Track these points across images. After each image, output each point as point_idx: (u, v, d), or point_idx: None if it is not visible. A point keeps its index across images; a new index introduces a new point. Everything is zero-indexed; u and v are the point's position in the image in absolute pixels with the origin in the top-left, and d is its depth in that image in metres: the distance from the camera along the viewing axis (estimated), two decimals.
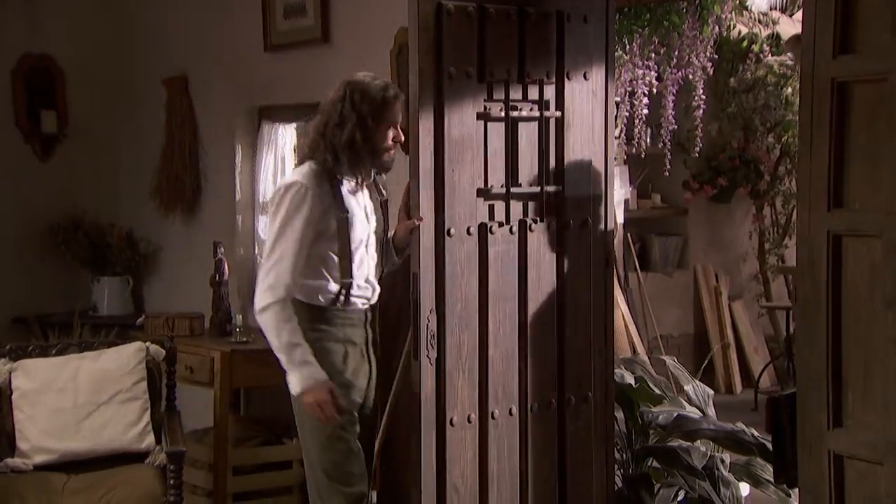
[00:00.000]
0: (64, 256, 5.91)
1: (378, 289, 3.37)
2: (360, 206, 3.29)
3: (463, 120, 3.31)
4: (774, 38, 6.56)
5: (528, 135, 3.46)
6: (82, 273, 6.01)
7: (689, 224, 7.10)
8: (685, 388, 4.14)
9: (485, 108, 3.34)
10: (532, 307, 3.44)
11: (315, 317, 3.21)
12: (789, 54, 6.62)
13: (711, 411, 4.10)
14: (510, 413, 3.39)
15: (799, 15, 6.31)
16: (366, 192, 3.35)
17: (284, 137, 5.27)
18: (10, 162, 5.80)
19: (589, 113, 3.48)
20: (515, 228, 3.41)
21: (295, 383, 3.10)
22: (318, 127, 3.23)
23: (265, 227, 5.14)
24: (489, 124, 3.36)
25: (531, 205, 3.45)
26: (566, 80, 3.45)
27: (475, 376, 3.34)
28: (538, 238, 3.46)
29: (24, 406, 3.89)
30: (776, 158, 7.02)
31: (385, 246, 3.43)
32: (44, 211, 5.89)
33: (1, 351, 4.02)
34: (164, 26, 5.74)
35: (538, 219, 3.44)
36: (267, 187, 5.30)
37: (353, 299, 3.23)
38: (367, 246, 3.30)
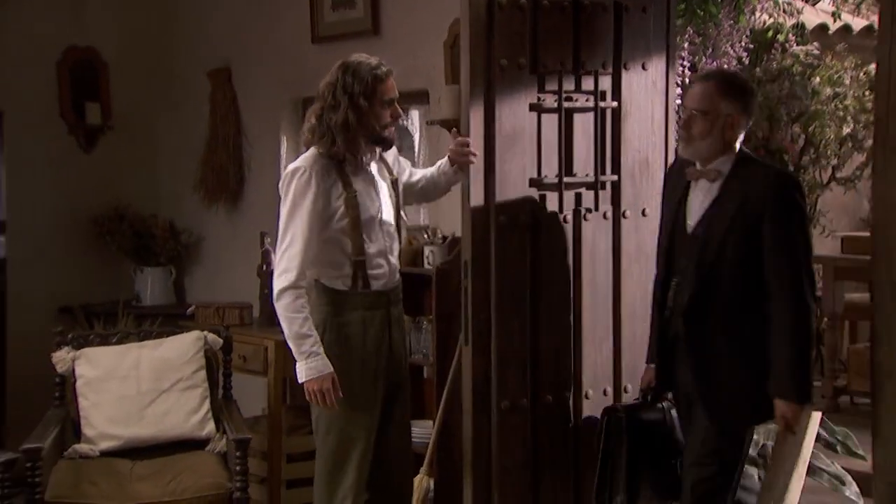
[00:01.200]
0: (108, 247, 5.98)
1: (397, 267, 3.40)
2: (368, 184, 3.31)
3: (515, 111, 3.34)
4: (799, 28, 6.58)
5: (583, 125, 3.49)
6: (125, 263, 6.08)
7: None
8: None
9: (538, 99, 3.36)
10: (587, 295, 3.48)
11: (335, 300, 3.27)
12: (815, 44, 6.64)
13: None
14: (562, 399, 3.43)
15: (822, 4, 6.34)
16: (375, 169, 3.36)
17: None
18: (55, 154, 5.86)
19: (648, 103, 3.51)
20: (570, 217, 3.45)
21: (301, 372, 3.19)
22: (315, 111, 3.26)
23: None
24: (542, 115, 3.38)
25: (587, 194, 3.48)
26: (623, 70, 3.49)
27: (526, 363, 3.37)
28: (593, 227, 3.49)
29: (89, 393, 3.97)
30: (800, 148, 7.04)
31: (438, 176, 3.47)
32: (87, 202, 5.96)
33: (63, 339, 4.10)
34: (207, 19, 5.79)
35: (593, 208, 3.48)
36: None
37: (371, 280, 3.26)
38: (380, 223, 3.31)
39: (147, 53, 6.05)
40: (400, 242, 3.43)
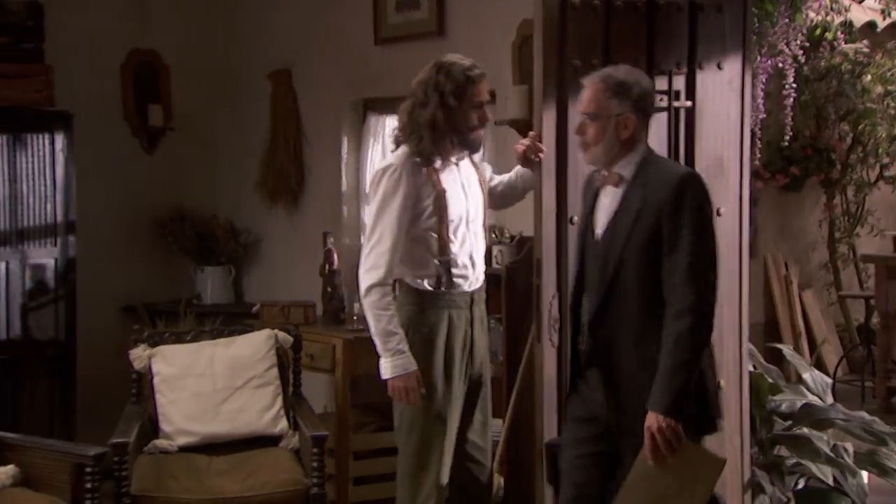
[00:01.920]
0: (170, 247, 6.07)
1: (483, 268, 3.40)
2: (457, 183, 3.31)
3: None
4: (847, 26, 6.53)
5: (656, 125, 3.48)
6: (184, 262, 6.17)
7: (759, 213, 7.07)
8: (803, 376, 4.16)
9: None
10: None
11: (420, 299, 3.28)
12: (865, 42, 6.60)
13: (830, 399, 4.12)
14: None
15: (869, 1, 6.30)
16: (464, 170, 3.37)
17: (391, 129, 5.36)
18: (119, 155, 5.95)
19: (723, 103, 3.51)
20: None
21: (386, 369, 3.21)
22: (406, 109, 3.30)
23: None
24: None
25: None
26: (698, 70, 3.48)
27: None
28: None
29: (166, 390, 4.03)
30: (848, 146, 7.00)
31: (515, 180, 3.49)
32: (149, 203, 6.05)
33: (139, 337, 4.17)
34: (267, 22, 5.86)
35: None
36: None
37: (456, 280, 3.27)
38: (467, 223, 3.32)
39: (207, 56, 6.13)
40: (485, 243, 3.45)
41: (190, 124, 6.17)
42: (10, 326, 5.02)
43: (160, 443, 3.92)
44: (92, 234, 5.62)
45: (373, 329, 3.23)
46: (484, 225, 3.42)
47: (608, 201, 2.94)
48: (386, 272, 3.20)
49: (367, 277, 3.22)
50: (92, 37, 5.73)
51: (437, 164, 3.26)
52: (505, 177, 3.56)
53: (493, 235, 4.24)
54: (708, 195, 2.88)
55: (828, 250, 7.10)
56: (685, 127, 3.52)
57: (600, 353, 2.92)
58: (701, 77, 3.50)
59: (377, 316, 3.20)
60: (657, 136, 3.47)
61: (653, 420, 2.74)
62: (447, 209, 3.25)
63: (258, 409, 4.06)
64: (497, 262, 4.18)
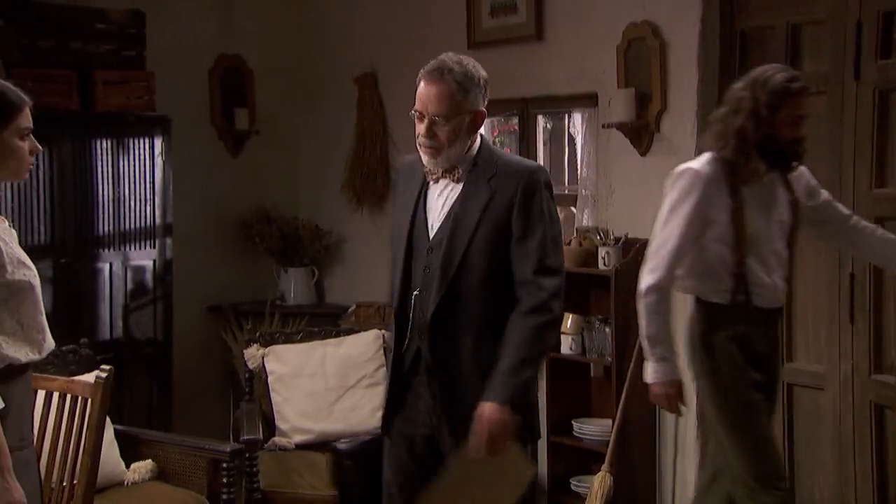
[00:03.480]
0: (255, 248, 6.16)
1: (784, 288, 3.21)
2: (760, 198, 3.14)
3: None
4: None
5: None
6: (267, 263, 6.26)
7: None
8: None
9: None
10: None
11: (712, 314, 3.16)
12: None
13: None
14: None
15: None
16: (771, 186, 3.17)
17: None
18: (206, 158, 6.05)
19: None
20: None
21: (650, 373, 3.17)
22: (719, 115, 3.17)
23: None
24: None
25: None
26: None
27: None
28: None
29: (281, 389, 4.12)
30: None
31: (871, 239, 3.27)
32: (234, 205, 6.14)
33: (252, 337, 4.26)
34: (352, 26, 5.93)
35: None
36: None
37: (752, 296, 3.12)
38: (766, 240, 3.14)
39: (291, 60, 6.22)
40: (791, 265, 3.27)
41: (274, 128, 6.26)
42: (114, 327, 5.13)
43: (279, 440, 4.01)
44: (183, 236, 5.73)
45: (642, 331, 3.16)
46: (789, 246, 3.22)
47: (443, 197, 2.83)
48: (664, 275, 3.12)
49: (647, 278, 3.15)
50: (183, 43, 5.84)
51: (743, 175, 3.10)
52: (869, 227, 3.32)
53: (599, 237, 4.29)
54: (551, 185, 2.84)
55: None
56: None
57: (436, 355, 2.77)
58: None
59: (649, 318, 3.12)
60: None
61: (490, 410, 2.63)
62: (743, 222, 3.09)
63: (370, 408, 4.14)
64: (605, 264, 4.24)
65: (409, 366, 2.82)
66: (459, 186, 2.81)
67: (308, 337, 4.33)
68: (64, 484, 2.66)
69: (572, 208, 5.24)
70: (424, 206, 2.84)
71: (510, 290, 2.76)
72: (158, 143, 5.32)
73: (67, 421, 2.83)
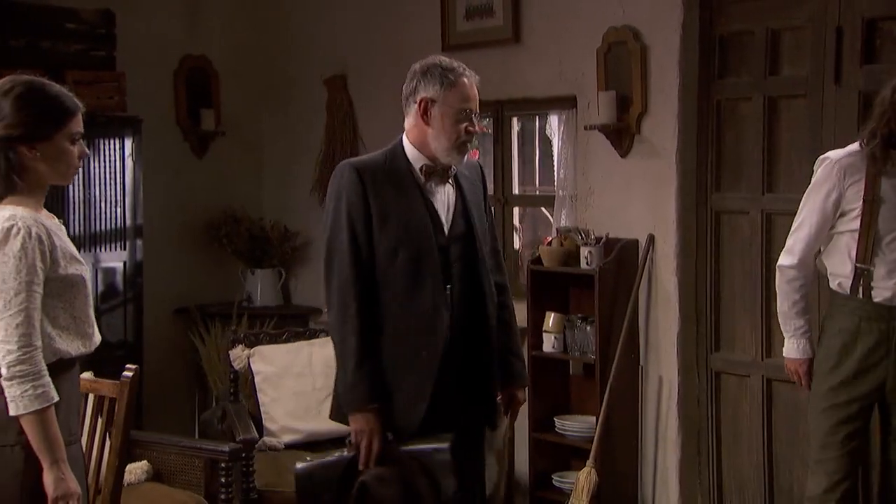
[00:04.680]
0: (222, 250, 6.12)
1: None
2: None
3: None
4: None
5: None
6: (233, 265, 6.22)
7: None
8: None
9: None
10: None
11: (833, 302, 3.24)
12: None
13: None
14: None
15: None
16: None
17: None
18: (171, 159, 6.00)
19: None
20: None
21: (786, 349, 3.34)
22: (878, 108, 3.14)
23: None
24: None
25: None
26: None
27: None
28: None
29: (268, 389, 4.12)
30: None
31: None
32: (199, 206, 6.10)
33: (237, 338, 4.25)
34: (322, 28, 5.93)
35: None
36: None
37: (872, 291, 3.13)
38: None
39: (257, 61, 6.20)
40: None
41: (240, 129, 6.23)
42: None
43: (269, 440, 4.01)
44: (150, 238, 5.67)
45: (779, 308, 3.33)
46: None
47: (443, 194, 2.96)
48: (798, 259, 3.22)
49: (783, 257, 3.27)
50: (150, 43, 5.79)
51: (885, 169, 3.10)
52: None
53: (580, 237, 4.36)
54: None
55: None
56: None
57: (462, 346, 2.92)
58: None
59: (783, 296, 3.28)
60: None
61: (523, 395, 3.20)
62: (873, 217, 3.10)
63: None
64: (587, 264, 4.31)
65: (444, 359, 2.89)
66: (451, 182, 2.97)
67: (293, 337, 4.33)
68: (89, 483, 2.64)
69: (543, 209, 5.33)
70: (433, 205, 2.93)
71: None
72: (129, 143, 5.28)
73: (91, 420, 2.82)
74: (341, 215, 2.90)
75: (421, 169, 2.95)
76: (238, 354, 4.18)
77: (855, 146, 3.20)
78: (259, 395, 4.12)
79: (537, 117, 5.13)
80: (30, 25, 5.00)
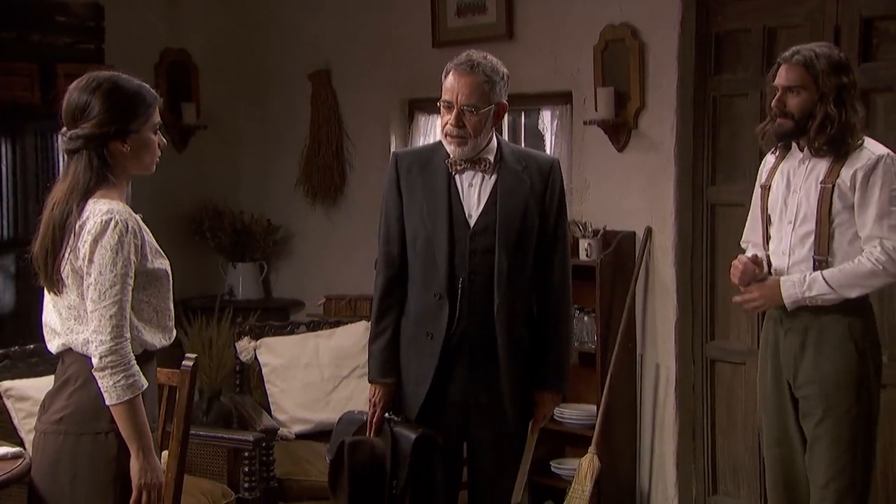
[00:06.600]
0: (204, 243, 6.12)
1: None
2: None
3: None
4: None
5: None
6: (214, 258, 6.22)
7: None
8: None
9: None
10: None
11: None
12: None
13: None
14: None
15: None
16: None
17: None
18: None
19: None
20: None
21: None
22: None
23: None
24: None
25: None
26: None
27: None
28: None
29: (276, 380, 4.15)
30: None
31: None
32: (180, 199, 6.09)
33: (242, 330, 4.28)
34: (306, 22, 5.95)
35: None
36: None
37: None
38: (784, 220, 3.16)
39: (238, 55, 6.20)
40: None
41: (221, 122, 6.22)
42: None
43: (281, 431, 4.04)
44: None
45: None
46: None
47: (477, 185, 2.98)
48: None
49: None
50: (134, 36, 5.76)
51: None
52: None
53: (579, 230, 4.46)
54: None
55: None
56: None
57: (481, 334, 2.96)
58: None
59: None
60: None
61: (557, 400, 3.15)
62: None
63: (365, 398, 4.18)
64: (587, 256, 4.41)
65: (452, 349, 2.95)
66: (493, 177, 2.98)
67: (298, 329, 4.37)
68: None
69: None
70: (458, 195, 2.98)
71: (529, 277, 3.00)
72: None
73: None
74: (383, 200, 3.09)
75: (450, 159, 3.01)
76: (244, 346, 4.21)
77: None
78: (267, 385, 4.15)
79: (527, 112, 5.21)
80: (20, 18, 4.96)
